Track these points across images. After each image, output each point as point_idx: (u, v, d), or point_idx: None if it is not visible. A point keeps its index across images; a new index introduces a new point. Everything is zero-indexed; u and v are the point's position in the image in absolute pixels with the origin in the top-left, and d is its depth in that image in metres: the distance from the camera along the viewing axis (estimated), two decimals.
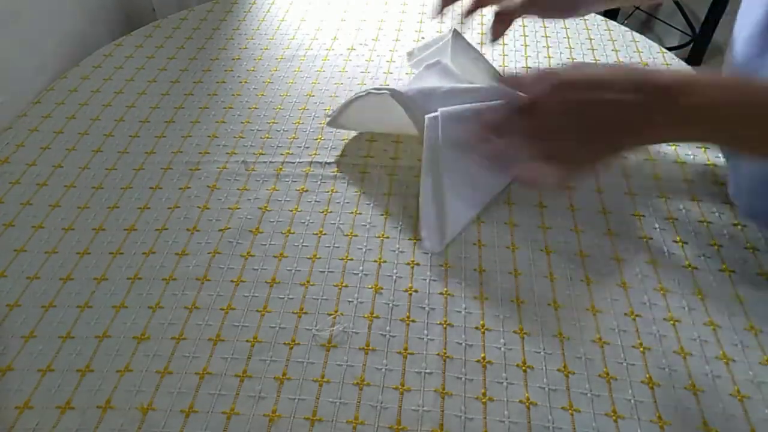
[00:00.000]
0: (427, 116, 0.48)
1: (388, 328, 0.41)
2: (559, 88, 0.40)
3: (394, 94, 0.48)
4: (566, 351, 0.40)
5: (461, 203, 0.48)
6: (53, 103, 0.63)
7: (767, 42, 0.44)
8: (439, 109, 0.48)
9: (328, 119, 0.57)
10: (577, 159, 0.41)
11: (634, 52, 0.69)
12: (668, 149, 0.55)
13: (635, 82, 0.38)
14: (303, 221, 0.49)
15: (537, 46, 0.70)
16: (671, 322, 0.41)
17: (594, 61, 0.67)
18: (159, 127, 0.59)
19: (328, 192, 0.52)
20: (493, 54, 0.68)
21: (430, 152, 0.47)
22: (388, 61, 0.68)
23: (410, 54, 0.66)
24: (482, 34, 0.73)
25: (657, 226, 0.48)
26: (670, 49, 1.00)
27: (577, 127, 0.39)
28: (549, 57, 0.68)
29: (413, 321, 0.42)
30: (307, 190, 0.52)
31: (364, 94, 0.50)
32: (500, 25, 0.52)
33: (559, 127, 0.40)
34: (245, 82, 0.66)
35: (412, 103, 0.49)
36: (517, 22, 0.75)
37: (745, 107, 0.36)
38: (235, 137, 0.58)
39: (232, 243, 0.47)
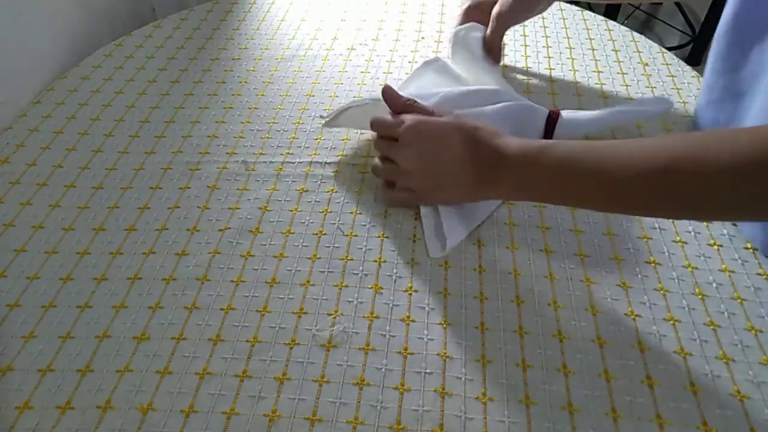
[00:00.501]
0: None
1: (388, 328, 0.41)
2: (412, 140, 0.45)
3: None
4: (566, 351, 0.40)
5: (461, 209, 0.48)
6: (53, 103, 0.63)
7: (736, 38, 0.45)
8: None
9: (324, 120, 0.57)
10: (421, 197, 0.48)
11: (634, 52, 0.69)
12: None
13: (474, 157, 0.44)
14: (303, 221, 0.49)
15: (537, 46, 0.70)
16: (671, 322, 0.41)
17: (593, 62, 0.67)
18: (159, 127, 0.59)
19: (328, 192, 0.52)
20: None
21: None
22: (388, 61, 0.68)
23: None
24: None
25: (657, 226, 0.48)
26: (670, 49, 1.00)
27: (420, 178, 0.46)
28: (549, 57, 0.68)
29: (413, 321, 0.42)
30: (307, 190, 0.52)
31: (360, 102, 0.51)
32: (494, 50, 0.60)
33: (408, 170, 0.46)
34: (245, 82, 0.66)
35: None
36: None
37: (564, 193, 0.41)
38: (235, 137, 0.58)
39: (232, 243, 0.47)
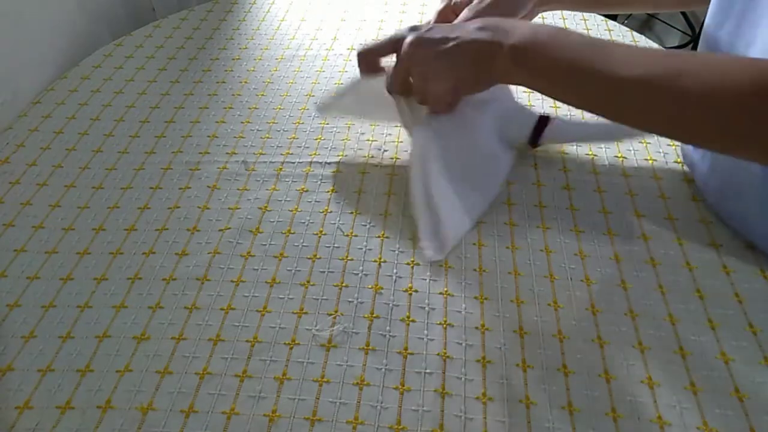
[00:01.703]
0: (415, 128, 0.48)
1: (388, 328, 0.41)
2: (414, 45, 0.45)
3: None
4: (566, 351, 0.40)
5: (455, 211, 0.47)
6: (53, 103, 0.63)
7: (724, 15, 0.45)
8: (425, 121, 0.48)
9: (318, 105, 0.56)
10: (439, 92, 0.47)
11: None
12: (669, 149, 0.55)
13: (482, 24, 0.44)
14: (303, 221, 0.49)
15: None
16: (671, 321, 0.41)
17: None
18: (159, 127, 0.59)
19: (328, 192, 0.52)
20: None
21: (419, 162, 0.47)
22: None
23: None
24: None
25: (657, 225, 0.48)
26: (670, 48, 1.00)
27: (434, 69, 0.45)
28: None
29: (413, 321, 0.42)
30: (307, 190, 0.52)
31: (349, 84, 0.51)
32: None
33: (420, 72, 0.46)
34: (245, 82, 0.66)
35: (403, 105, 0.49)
36: None
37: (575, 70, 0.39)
38: (235, 137, 0.58)
39: (232, 243, 0.47)
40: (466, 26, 0.45)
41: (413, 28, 0.47)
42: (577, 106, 0.43)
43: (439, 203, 0.46)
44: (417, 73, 0.46)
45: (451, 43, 0.44)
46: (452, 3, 0.57)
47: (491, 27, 0.44)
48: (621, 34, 0.73)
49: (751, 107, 0.32)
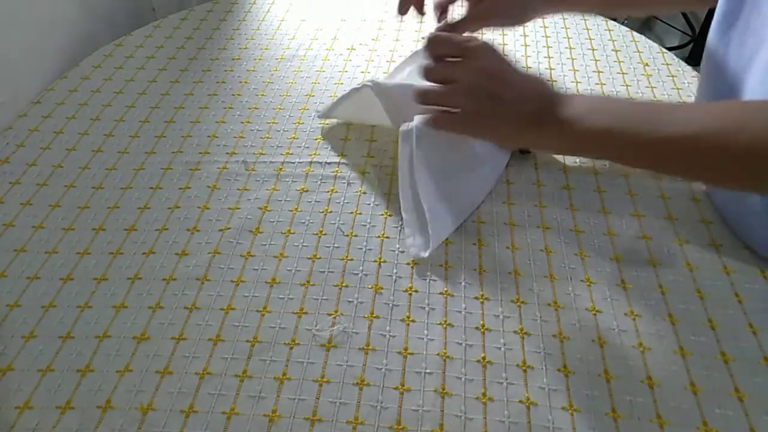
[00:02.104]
0: (402, 128, 0.48)
1: (388, 328, 0.41)
2: (487, 75, 0.45)
3: (376, 87, 0.50)
4: (566, 351, 0.40)
5: (440, 211, 0.47)
6: (53, 103, 0.63)
7: (722, 38, 0.45)
8: (415, 120, 0.48)
9: (319, 113, 0.59)
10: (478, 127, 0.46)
11: (634, 52, 0.69)
12: None
13: (537, 94, 0.45)
14: (303, 221, 0.49)
15: (537, 46, 0.70)
16: (671, 322, 0.41)
17: (593, 62, 0.67)
18: (159, 127, 0.59)
19: (328, 192, 0.52)
20: None
21: (405, 162, 0.48)
22: (388, 61, 0.68)
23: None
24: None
25: (657, 225, 0.48)
26: (670, 49, 1.00)
27: (483, 110, 0.44)
28: (549, 57, 0.68)
29: (413, 321, 0.42)
30: (307, 190, 0.52)
31: (352, 92, 0.53)
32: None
33: (472, 101, 0.45)
34: (245, 82, 0.66)
35: (390, 99, 0.51)
36: None
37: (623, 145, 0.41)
38: (235, 137, 0.58)
39: (232, 243, 0.47)
40: (525, 88, 0.45)
41: (485, 50, 0.46)
42: (634, 167, 0.46)
43: (425, 202, 0.46)
44: (458, 103, 0.46)
45: (502, 97, 0.44)
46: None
47: (541, 96, 0.44)
48: (621, 34, 0.73)
49: None
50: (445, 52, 0.46)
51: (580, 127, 0.42)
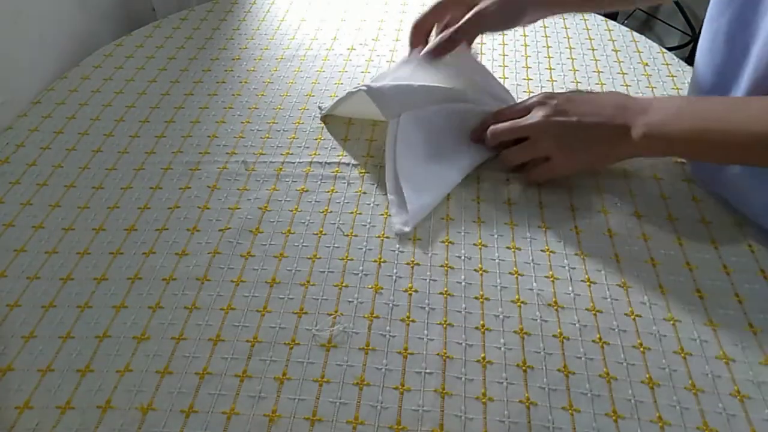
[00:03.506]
0: (391, 121, 0.52)
1: (388, 328, 0.41)
2: (555, 110, 0.48)
3: (370, 91, 0.51)
4: (566, 351, 0.40)
5: (420, 191, 0.49)
6: (53, 103, 0.63)
7: (725, 4, 0.45)
8: (402, 115, 0.52)
9: (321, 112, 0.60)
10: (563, 167, 0.49)
11: (634, 52, 0.69)
12: None
13: (616, 105, 0.46)
14: (303, 221, 0.49)
15: (537, 46, 0.70)
16: (671, 321, 0.41)
17: (593, 62, 0.67)
18: (159, 127, 0.59)
19: (328, 192, 0.52)
20: (494, 54, 0.68)
21: (392, 142, 0.51)
22: (388, 61, 0.68)
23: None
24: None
25: (657, 225, 0.48)
26: (670, 49, 1.00)
27: (565, 141, 0.47)
28: (549, 57, 0.68)
29: (413, 321, 0.42)
30: (307, 190, 0.52)
31: (344, 95, 0.54)
32: (446, 46, 0.55)
33: (551, 143, 0.48)
34: (245, 82, 0.66)
35: (385, 101, 0.52)
36: None
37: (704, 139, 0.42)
38: (235, 137, 0.58)
39: (232, 243, 0.47)
40: (601, 102, 0.47)
41: (548, 96, 0.49)
42: (724, 163, 0.47)
43: (404, 182, 0.49)
44: (544, 149, 0.48)
45: (582, 122, 0.46)
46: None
47: (622, 107, 0.46)
48: (621, 34, 0.73)
49: None
50: (509, 138, 0.50)
51: (668, 132, 0.43)
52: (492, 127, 0.50)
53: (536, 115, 0.48)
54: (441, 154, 0.52)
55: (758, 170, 0.44)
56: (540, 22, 0.75)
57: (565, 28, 0.74)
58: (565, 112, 0.47)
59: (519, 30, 0.73)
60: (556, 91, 0.62)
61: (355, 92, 0.53)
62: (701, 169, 0.51)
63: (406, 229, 0.47)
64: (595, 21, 0.75)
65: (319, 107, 0.61)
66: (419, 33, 0.57)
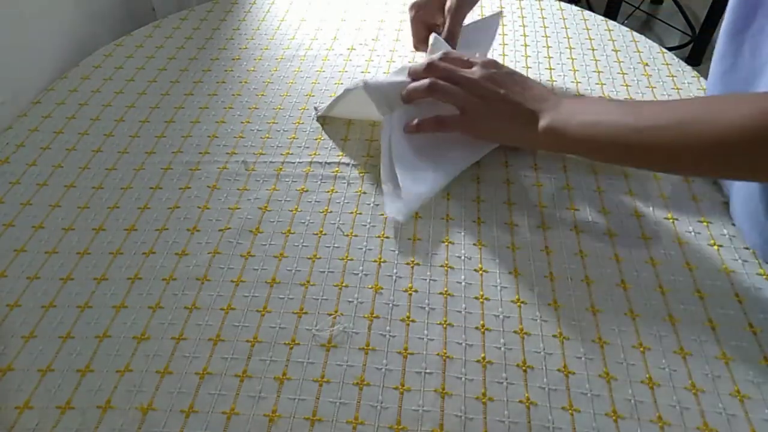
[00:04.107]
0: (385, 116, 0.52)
1: (388, 328, 0.41)
2: (490, 77, 0.49)
3: (367, 87, 0.52)
4: (566, 351, 0.40)
5: (415, 182, 0.49)
6: (53, 103, 0.63)
7: (730, 44, 0.47)
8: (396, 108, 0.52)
9: (317, 113, 0.60)
10: (478, 124, 0.50)
11: (634, 52, 0.69)
12: None
13: (538, 96, 0.48)
14: (303, 221, 0.49)
15: (537, 46, 0.70)
16: (671, 322, 0.41)
17: (593, 62, 0.67)
18: (159, 127, 0.59)
19: (328, 192, 0.52)
20: (493, 54, 0.68)
21: (387, 131, 0.52)
22: (388, 61, 0.68)
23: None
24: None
25: (657, 225, 0.48)
26: (670, 49, 1.00)
27: (488, 106, 0.48)
28: (549, 57, 0.68)
29: (413, 321, 0.42)
30: (307, 190, 0.52)
31: (350, 88, 0.54)
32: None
33: (479, 96, 0.49)
34: (245, 82, 0.66)
35: (382, 98, 0.52)
36: (516, 22, 0.75)
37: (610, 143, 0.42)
38: (235, 137, 0.58)
39: (232, 243, 0.47)
40: (530, 90, 0.49)
41: (491, 63, 0.51)
42: (620, 164, 0.50)
43: (400, 169, 0.49)
44: (462, 100, 0.49)
45: (504, 96, 0.48)
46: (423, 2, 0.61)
47: (542, 98, 0.48)
48: (621, 34, 0.73)
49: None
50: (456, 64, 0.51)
51: (564, 128, 0.44)
52: (432, 61, 0.51)
53: (474, 73, 0.49)
54: (438, 144, 0.52)
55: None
56: (540, 22, 0.75)
57: (565, 28, 0.74)
58: (498, 83, 0.49)
59: (519, 30, 0.73)
60: (555, 89, 0.63)
61: (353, 89, 0.53)
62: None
63: (400, 217, 0.47)
64: (595, 21, 0.75)
65: (315, 108, 0.61)
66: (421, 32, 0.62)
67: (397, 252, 0.46)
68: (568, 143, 0.45)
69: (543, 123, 0.45)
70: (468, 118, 0.49)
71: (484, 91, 0.48)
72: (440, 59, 0.51)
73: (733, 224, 0.48)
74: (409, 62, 0.64)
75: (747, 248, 0.46)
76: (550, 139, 0.45)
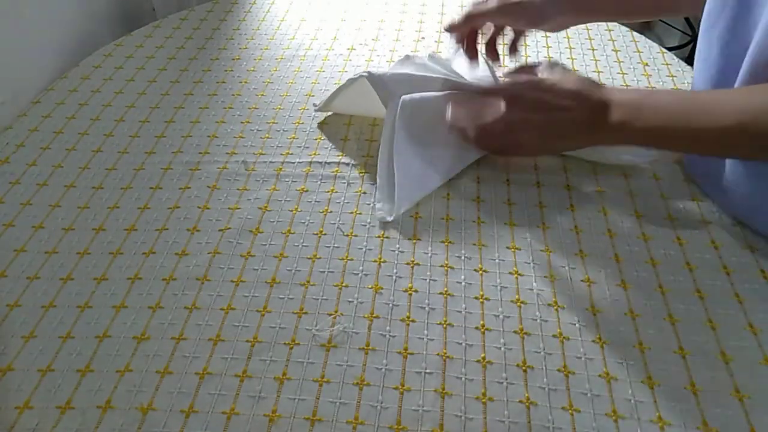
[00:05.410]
0: (390, 105, 0.52)
1: (388, 328, 0.41)
2: (531, 88, 0.48)
3: (371, 77, 0.52)
4: (566, 351, 0.40)
5: (411, 180, 0.50)
6: (53, 103, 0.63)
7: (710, 24, 0.46)
8: (402, 97, 0.52)
9: (317, 107, 0.60)
10: (531, 147, 0.50)
11: (634, 52, 0.69)
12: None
13: (587, 98, 0.46)
14: (303, 221, 0.49)
15: (537, 46, 0.70)
16: (671, 322, 0.41)
17: (593, 62, 0.67)
18: (159, 127, 0.59)
19: (328, 192, 0.52)
20: None
21: (388, 131, 0.51)
22: (388, 61, 0.68)
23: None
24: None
25: (657, 225, 0.48)
26: (670, 49, 1.00)
27: (537, 123, 0.47)
28: (549, 58, 0.68)
29: (413, 321, 0.42)
30: (307, 190, 0.52)
31: (348, 83, 0.54)
32: (493, 50, 0.58)
33: (523, 120, 0.48)
34: (245, 82, 0.66)
35: (385, 88, 0.52)
36: None
37: (677, 132, 0.42)
38: (235, 137, 0.58)
39: (232, 243, 0.47)
40: (563, 90, 0.46)
41: (512, 99, 0.49)
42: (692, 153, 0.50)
43: (397, 172, 0.49)
44: (511, 128, 0.48)
45: (551, 114, 0.46)
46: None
47: (587, 98, 0.45)
48: (621, 34, 0.73)
49: None
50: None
51: (631, 129, 0.43)
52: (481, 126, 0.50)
53: (513, 111, 0.48)
54: (438, 143, 0.52)
55: (754, 171, 0.44)
56: None
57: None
58: (536, 88, 0.47)
59: None
60: None
61: (356, 79, 0.53)
62: (695, 167, 0.52)
63: (389, 218, 0.48)
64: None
65: (314, 104, 0.61)
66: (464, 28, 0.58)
67: (397, 252, 0.46)
68: (635, 143, 0.46)
69: (603, 131, 0.45)
70: (524, 147, 0.50)
71: (526, 103, 0.48)
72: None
73: (734, 224, 0.48)
74: (412, 51, 0.63)
75: (747, 248, 0.46)
76: (618, 140, 0.46)
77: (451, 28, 0.57)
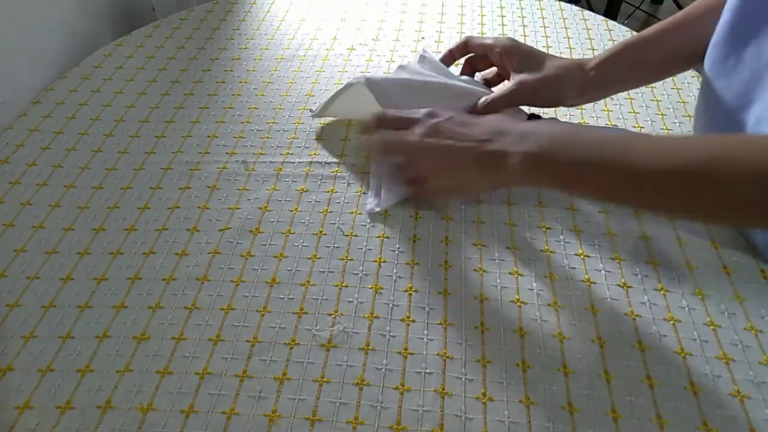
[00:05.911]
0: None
1: (388, 328, 0.41)
2: (432, 131, 0.44)
3: (369, 83, 0.51)
4: (566, 351, 0.40)
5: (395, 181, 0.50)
6: (53, 103, 0.63)
7: (731, 47, 0.44)
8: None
9: (313, 112, 0.59)
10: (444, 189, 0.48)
11: None
12: None
13: (493, 130, 0.42)
14: (303, 221, 0.49)
15: (537, 46, 0.70)
16: (671, 322, 0.41)
17: None
18: (159, 127, 0.59)
19: (328, 192, 0.52)
20: None
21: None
22: (388, 61, 0.68)
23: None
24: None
25: (657, 226, 0.48)
26: None
27: (443, 166, 0.44)
28: None
29: (413, 321, 0.42)
30: (307, 190, 0.52)
31: (344, 88, 0.54)
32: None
33: (430, 164, 0.45)
34: (245, 82, 0.66)
35: (383, 94, 0.52)
36: (516, 22, 0.75)
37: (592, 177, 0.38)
38: (235, 137, 0.58)
39: (232, 243, 0.47)
40: (480, 127, 0.43)
41: (429, 114, 0.46)
42: (605, 202, 0.46)
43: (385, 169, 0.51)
44: (419, 169, 0.46)
45: (458, 145, 0.43)
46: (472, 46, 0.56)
47: (499, 132, 0.42)
48: (621, 34, 0.73)
49: None
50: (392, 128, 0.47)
51: (553, 162, 0.39)
52: (380, 138, 0.47)
53: (413, 134, 0.45)
54: None
55: None
56: (540, 22, 0.75)
57: (566, 28, 0.74)
58: (440, 133, 0.44)
59: (519, 30, 0.73)
60: None
61: (354, 84, 0.52)
62: None
63: (377, 209, 0.49)
64: (595, 21, 0.75)
65: (310, 110, 0.61)
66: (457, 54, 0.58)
67: (397, 252, 0.46)
68: (557, 179, 0.40)
69: (514, 159, 0.40)
70: (432, 185, 0.46)
71: (429, 151, 0.44)
72: (378, 122, 0.47)
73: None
74: (409, 62, 0.64)
75: (747, 248, 0.46)
76: (531, 175, 0.41)
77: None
